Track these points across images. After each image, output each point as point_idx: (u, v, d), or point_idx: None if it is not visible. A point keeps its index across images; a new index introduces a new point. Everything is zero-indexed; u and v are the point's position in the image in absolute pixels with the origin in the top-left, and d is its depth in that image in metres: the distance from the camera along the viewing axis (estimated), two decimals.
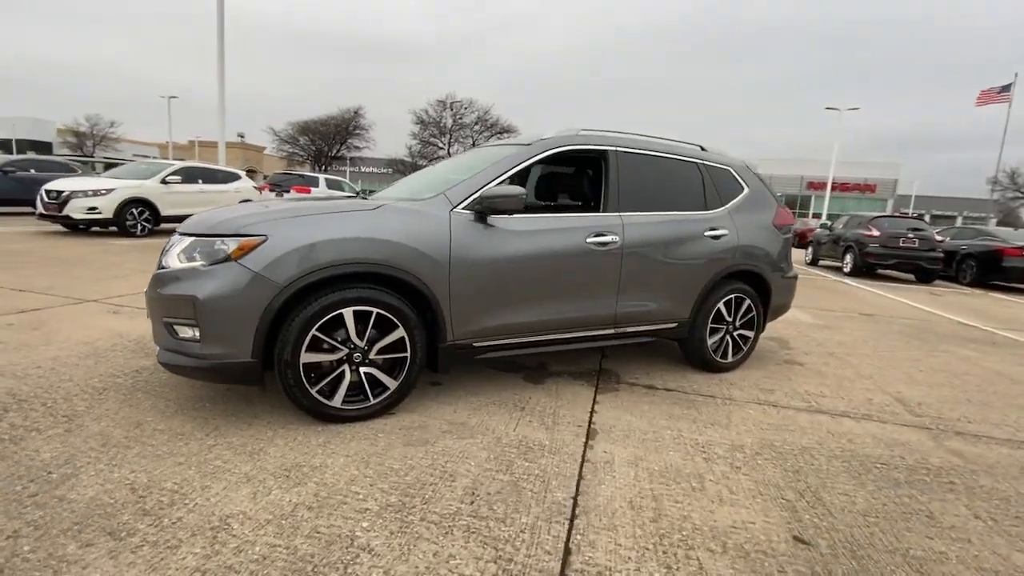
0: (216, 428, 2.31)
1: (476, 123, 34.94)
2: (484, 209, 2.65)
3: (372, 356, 2.46)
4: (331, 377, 2.38)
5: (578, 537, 1.73)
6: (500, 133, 35.68)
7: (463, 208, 2.67)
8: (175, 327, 2.26)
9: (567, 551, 1.65)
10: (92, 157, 36.52)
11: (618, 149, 3.23)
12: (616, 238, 3.04)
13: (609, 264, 3.03)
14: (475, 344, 2.73)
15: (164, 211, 9.64)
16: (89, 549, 1.51)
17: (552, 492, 1.99)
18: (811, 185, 46.71)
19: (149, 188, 9.48)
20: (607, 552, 1.67)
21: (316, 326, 2.29)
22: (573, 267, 2.93)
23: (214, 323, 2.18)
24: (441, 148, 34.66)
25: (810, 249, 14.24)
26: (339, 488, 1.92)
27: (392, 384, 2.51)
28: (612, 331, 3.17)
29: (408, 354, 2.52)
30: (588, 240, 2.95)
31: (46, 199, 8.84)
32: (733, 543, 1.76)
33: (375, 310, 2.40)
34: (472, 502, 1.89)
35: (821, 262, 13.79)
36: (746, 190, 3.76)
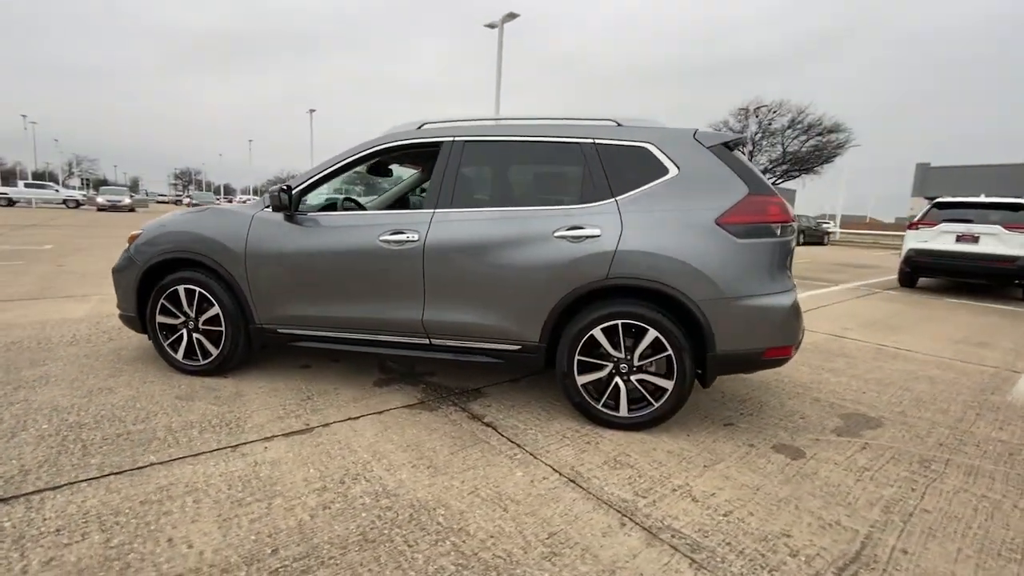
0: (140, 358, 3.43)
1: (789, 127, 29.78)
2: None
3: (200, 326, 3.12)
4: (175, 337, 3.17)
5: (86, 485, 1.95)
6: (821, 135, 29.45)
7: (273, 208, 3.02)
8: None
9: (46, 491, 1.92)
10: None
11: (456, 139, 2.86)
12: (415, 236, 2.74)
13: (408, 265, 2.75)
14: (279, 331, 3.02)
15: None
16: None
17: (149, 455, 2.20)
18: None
19: None
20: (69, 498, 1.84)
21: (163, 296, 3.12)
22: (364, 266, 2.82)
23: (117, 287, 3.30)
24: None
25: None
26: (80, 403, 2.66)
27: (215, 351, 3.10)
28: (425, 341, 2.83)
29: (223, 329, 3.06)
30: (381, 238, 2.78)
31: None
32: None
33: (198, 289, 3.06)
34: (102, 439, 2.31)
35: None
36: (672, 172, 2.59)
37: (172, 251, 3.09)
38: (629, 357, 2.57)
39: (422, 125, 3.01)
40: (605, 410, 2.63)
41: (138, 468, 2.09)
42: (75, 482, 1.97)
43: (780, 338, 2.51)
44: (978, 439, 2.71)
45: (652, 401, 2.58)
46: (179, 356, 3.17)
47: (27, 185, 30.38)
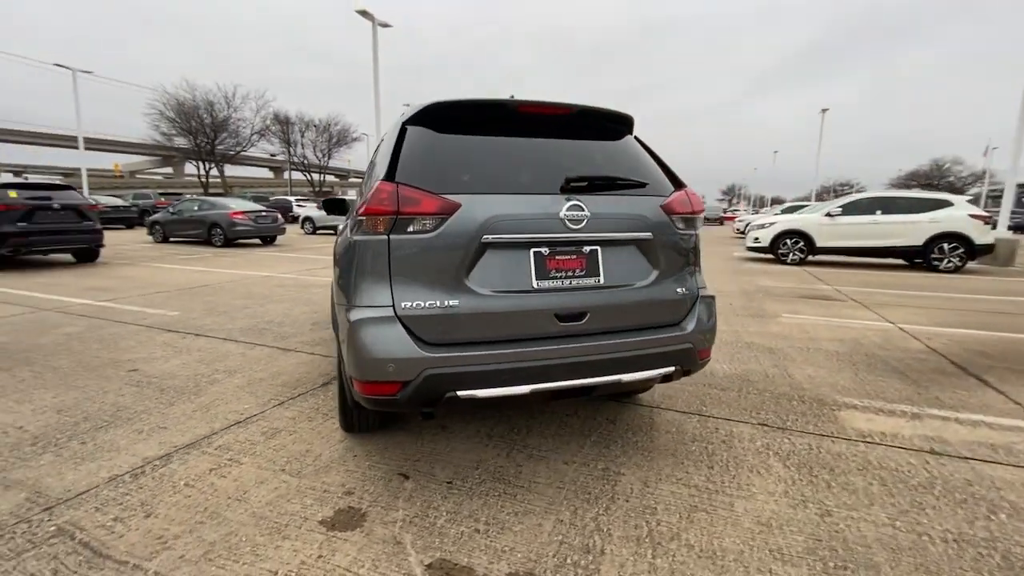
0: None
1: None
2: None
3: None
4: None
5: None
6: None
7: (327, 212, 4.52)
8: None
9: None
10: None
11: None
12: None
13: None
14: None
15: (820, 242, 10.14)
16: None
17: (255, 339, 4.33)
18: None
19: (808, 221, 10.28)
20: None
21: None
22: None
23: None
24: None
25: None
26: (284, 312, 5.15)
27: None
28: None
29: None
30: None
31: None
32: None
33: None
34: (255, 328, 4.64)
35: None
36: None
37: None
38: None
39: None
40: None
41: (220, 338, 4.26)
42: (216, 338, 4.34)
43: (351, 366, 1.87)
44: None
45: None
46: None
47: None
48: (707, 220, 37.88)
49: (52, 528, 1.78)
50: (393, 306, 1.85)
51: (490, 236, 1.86)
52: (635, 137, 2.43)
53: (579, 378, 1.95)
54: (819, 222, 10.24)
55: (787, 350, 4.14)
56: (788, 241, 10.53)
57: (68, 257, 9.39)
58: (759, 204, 71.82)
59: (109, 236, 15.46)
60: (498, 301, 1.89)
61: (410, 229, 1.85)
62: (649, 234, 2.09)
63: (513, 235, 1.89)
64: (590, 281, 2.01)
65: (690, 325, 2.18)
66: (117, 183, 52.87)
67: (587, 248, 2.02)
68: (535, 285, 1.94)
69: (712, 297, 2.35)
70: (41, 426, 2.58)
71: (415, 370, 1.80)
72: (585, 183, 2.02)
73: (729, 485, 2.12)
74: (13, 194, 7.54)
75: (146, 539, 1.74)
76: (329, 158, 42.16)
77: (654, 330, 2.11)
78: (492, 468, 2.24)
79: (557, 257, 1.97)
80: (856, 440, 2.56)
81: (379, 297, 1.87)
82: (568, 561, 1.66)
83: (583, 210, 1.97)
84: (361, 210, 1.89)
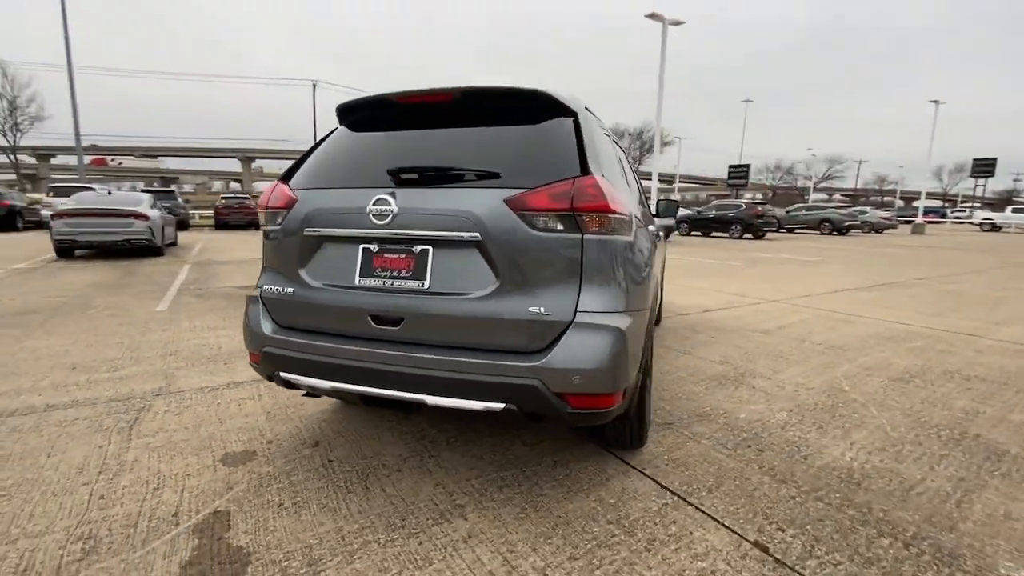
0: None
1: None
2: None
3: None
4: None
5: None
6: None
7: None
8: None
9: None
10: None
11: None
12: None
13: None
14: None
15: None
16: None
17: None
18: None
19: None
20: None
21: None
22: None
23: None
24: None
25: None
26: None
27: None
28: None
29: None
30: None
31: None
32: None
33: None
34: None
35: None
36: None
37: None
38: None
39: None
40: None
41: None
42: None
43: None
44: None
45: None
46: None
47: (1014, 210, 30.03)
48: None
49: (142, 405, 2.86)
50: (260, 287, 2.14)
51: (309, 229, 1.93)
52: (574, 119, 1.94)
53: (382, 387, 1.80)
54: None
55: (1018, 457, 2.29)
56: None
57: None
58: None
59: None
60: (323, 294, 1.93)
61: (277, 221, 2.10)
62: (476, 234, 1.69)
63: (327, 229, 1.91)
64: (413, 284, 1.80)
65: (545, 357, 1.65)
66: None
67: (418, 248, 1.81)
68: (357, 282, 1.88)
69: (614, 328, 1.69)
70: (228, 350, 3.97)
71: (259, 345, 2.05)
72: (415, 174, 1.81)
73: None
74: None
75: (156, 426, 2.59)
76: (640, 164, 43.65)
77: (488, 354, 1.71)
78: (375, 464, 2.25)
79: (385, 255, 1.86)
80: None
81: (259, 279, 2.20)
82: (290, 563, 1.61)
83: (389, 204, 1.78)
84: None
